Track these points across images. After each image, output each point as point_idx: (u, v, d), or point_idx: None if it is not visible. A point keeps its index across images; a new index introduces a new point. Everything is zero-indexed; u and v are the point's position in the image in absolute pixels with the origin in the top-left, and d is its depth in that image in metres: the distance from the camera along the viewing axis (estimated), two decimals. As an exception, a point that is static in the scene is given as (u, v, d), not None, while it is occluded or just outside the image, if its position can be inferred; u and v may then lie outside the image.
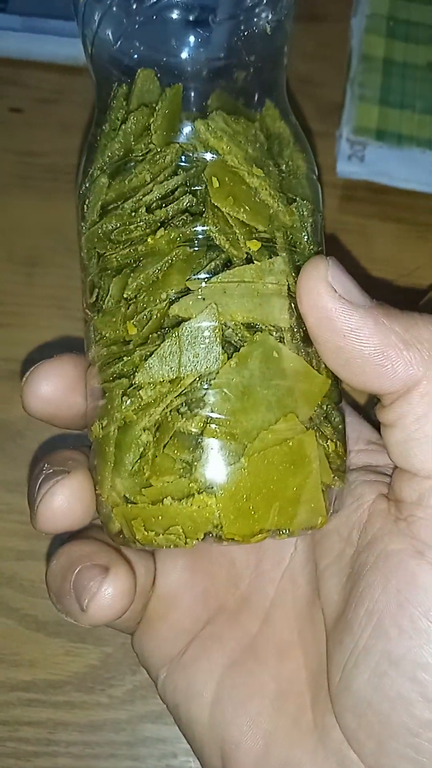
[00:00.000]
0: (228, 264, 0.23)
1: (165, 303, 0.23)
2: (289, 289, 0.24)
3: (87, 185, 0.25)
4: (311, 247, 0.25)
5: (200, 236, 0.23)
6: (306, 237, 0.25)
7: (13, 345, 0.41)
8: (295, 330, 0.23)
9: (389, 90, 0.47)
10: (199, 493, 0.22)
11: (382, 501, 0.25)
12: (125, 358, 0.23)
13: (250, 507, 0.22)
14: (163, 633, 0.28)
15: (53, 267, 0.42)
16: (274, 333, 0.23)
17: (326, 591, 0.26)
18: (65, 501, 0.24)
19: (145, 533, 0.23)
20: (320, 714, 0.25)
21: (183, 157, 0.24)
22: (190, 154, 0.23)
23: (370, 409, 0.33)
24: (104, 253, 0.24)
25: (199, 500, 0.22)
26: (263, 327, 0.23)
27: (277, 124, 0.26)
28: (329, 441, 0.24)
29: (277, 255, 0.24)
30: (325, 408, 0.24)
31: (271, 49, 0.25)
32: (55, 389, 0.26)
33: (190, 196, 0.23)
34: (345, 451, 0.25)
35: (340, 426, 0.25)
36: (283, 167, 0.25)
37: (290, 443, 0.23)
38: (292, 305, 0.23)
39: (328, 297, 0.22)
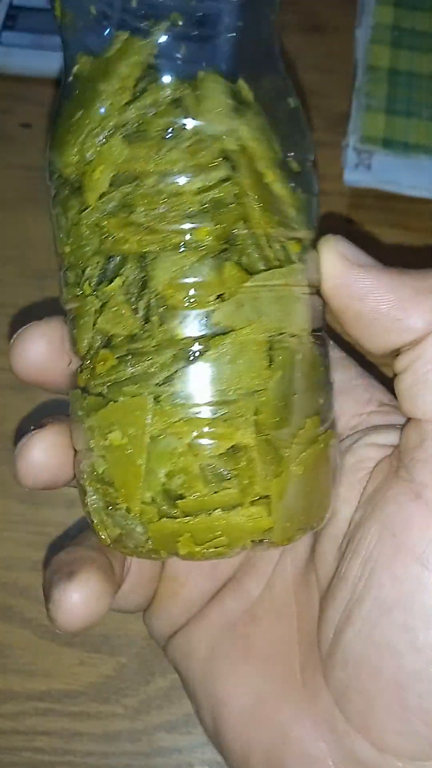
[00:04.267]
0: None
1: (212, 305, 0.21)
2: (309, 288, 0.24)
3: (80, 138, 0.22)
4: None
5: (242, 234, 0.22)
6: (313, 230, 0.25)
7: (26, 357, 0.41)
8: (311, 331, 0.24)
9: (395, 99, 0.48)
10: (252, 504, 0.22)
11: (387, 459, 0.25)
12: (147, 361, 0.22)
13: (297, 511, 0.23)
14: (173, 609, 0.29)
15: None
16: (298, 337, 0.23)
17: (321, 552, 0.26)
18: (42, 454, 0.24)
19: (194, 548, 0.22)
20: (310, 675, 0.25)
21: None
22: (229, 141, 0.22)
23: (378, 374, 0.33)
24: (117, 234, 0.22)
25: (251, 510, 0.22)
26: (289, 333, 0.23)
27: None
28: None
29: (303, 256, 0.23)
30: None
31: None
32: (44, 353, 0.25)
33: (233, 188, 0.22)
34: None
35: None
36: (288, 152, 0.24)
37: (321, 444, 0.23)
38: (310, 306, 0.24)
39: (340, 264, 0.23)
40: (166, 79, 0.22)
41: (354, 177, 0.45)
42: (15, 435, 0.41)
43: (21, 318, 0.42)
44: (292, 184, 0.23)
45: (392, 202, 0.45)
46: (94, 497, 0.23)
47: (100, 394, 0.23)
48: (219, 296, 0.22)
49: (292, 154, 0.24)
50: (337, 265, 0.23)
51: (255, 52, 0.23)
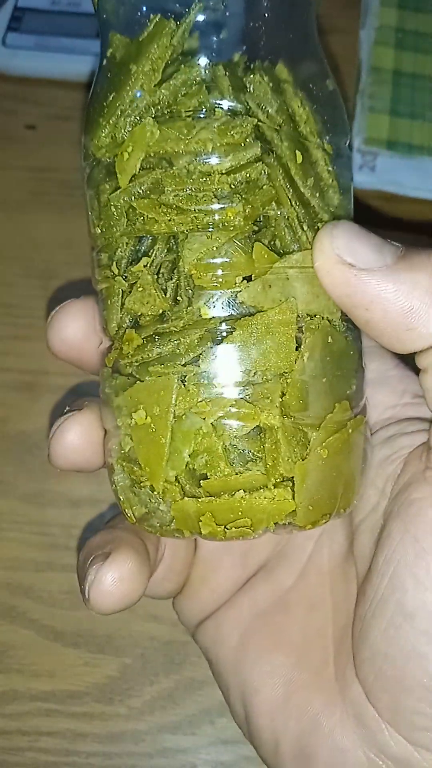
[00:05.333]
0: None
1: (239, 285, 0.21)
2: None
3: (109, 120, 0.22)
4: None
5: (274, 216, 0.22)
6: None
7: (30, 357, 0.41)
8: (343, 314, 0.23)
9: (399, 101, 0.48)
10: (275, 486, 0.22)
11: (418, 451, 0.24)
12: (174, 342, 0.22)
13: (321, 496, 0.23)
14: (204, 595, 0.29)
15: (69, 280, 0.43)
16: (328, 320, 0.23)
17: (360, 545, 0.26)
18: (77, 437, 0.24)
19: (216, 527, 0.22)
20: (342, 667, 0.25)
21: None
22: (264, 121, 0.22)
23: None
24: (147, 215, 0.22)
25: (274, 492, 0.22)
26: (320, 315, 0.22)
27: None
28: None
29: None
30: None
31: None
32: (80, 330, 0.25)
33: (265, 168, 0.22)
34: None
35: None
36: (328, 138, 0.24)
37: (349, 430, 0.23)
38: None
39: (339, 272, 0.21)
40: (198, 60, 0.22)
41: (358, 178, 0.45)
42: (19, 436, 0.41)
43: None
44: (329, 168, 0.23)
45: (396, 203, 0.45)
46: (121, 475, 0.24)
47: (127, 374, 0.23)
48: (247, 277, 0.21)
49: (330, 136, 0.23)
50: (334, 273, 0.21)
51: (293, 35, 0.23)
